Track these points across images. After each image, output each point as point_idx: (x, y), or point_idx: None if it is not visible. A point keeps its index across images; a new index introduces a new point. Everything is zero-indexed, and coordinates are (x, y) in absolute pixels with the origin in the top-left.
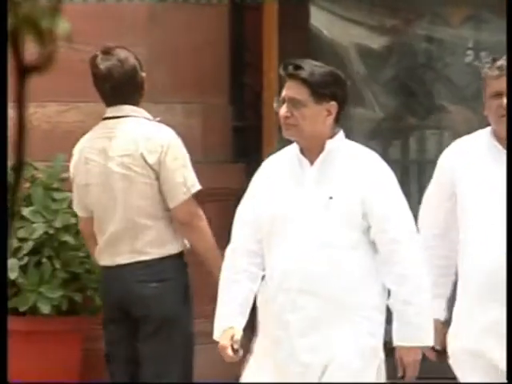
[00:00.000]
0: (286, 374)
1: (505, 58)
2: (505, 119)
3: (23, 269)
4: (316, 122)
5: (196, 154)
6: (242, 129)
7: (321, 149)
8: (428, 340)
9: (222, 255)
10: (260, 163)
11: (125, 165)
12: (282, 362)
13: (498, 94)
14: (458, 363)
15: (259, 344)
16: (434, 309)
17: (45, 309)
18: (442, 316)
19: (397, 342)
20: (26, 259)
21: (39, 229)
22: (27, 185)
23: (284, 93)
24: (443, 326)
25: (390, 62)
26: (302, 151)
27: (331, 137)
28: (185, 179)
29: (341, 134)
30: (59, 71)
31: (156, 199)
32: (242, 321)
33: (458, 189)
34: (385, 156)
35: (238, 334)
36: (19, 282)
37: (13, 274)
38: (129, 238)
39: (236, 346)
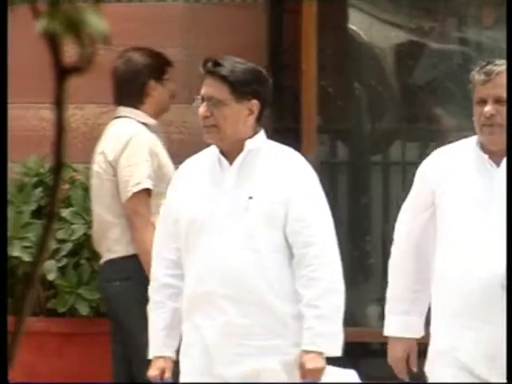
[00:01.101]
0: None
1: (497, 62)
2: (486, 128)
3: (62, 270)
4: (237, 122)
5: None
6: (280, 131)
7: (241, 149)
8: (333, 348)
9: None
10: None
11: (98, 163)
12: (195, 370)
13: (483, 101)
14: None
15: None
16: (410, 327)
17: (83, 310)
18: (420, 334)
19: (302, 345)
20: (64, 261)
21: (78, 230)
22: (66, 186)
23: (203, 91)
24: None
25: (427, 65)
26: (222, 152)
27: (251, 137)
28: (131, 177)
29: (261, 133)
30: (98, 73)
31: (118, 196)
32: (172, 343)
33: (438, 200)
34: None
35: (168, 363)
36: (58, 283)
37: (51, 276)
38: (102, 236)
39: (167, 375)
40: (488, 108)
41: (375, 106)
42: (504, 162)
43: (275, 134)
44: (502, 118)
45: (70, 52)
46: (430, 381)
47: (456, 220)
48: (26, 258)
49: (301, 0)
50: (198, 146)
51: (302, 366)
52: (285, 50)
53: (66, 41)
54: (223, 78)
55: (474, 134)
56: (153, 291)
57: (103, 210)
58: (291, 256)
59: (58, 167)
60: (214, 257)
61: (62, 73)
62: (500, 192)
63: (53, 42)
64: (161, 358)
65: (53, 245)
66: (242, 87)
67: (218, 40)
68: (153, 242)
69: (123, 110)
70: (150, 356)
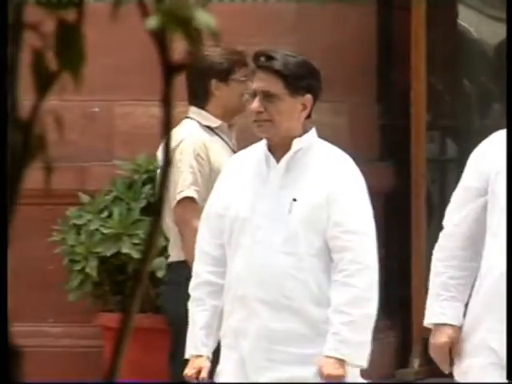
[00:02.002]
0: None
1: None
2: None
3: None
4: (291, 118)
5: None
6: (389, 127)
7: (290, 147)
8: (357, 358)
9: None
10: (408, 162)
11: None
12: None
13: None
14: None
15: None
16: (456, 313)
17: None
18: (458, 322)
19: (324, 351)
20: None
21: None
22: None
23: (255, 85)
24: (457, 332)
25: None
26: (270, 148)
27: (301, 135)
28: (177, 183)
29: (313, 131)
30: None
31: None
32: (210, 343)
33: (491, 187)
34: None
35: (205, 362)
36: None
37: (160, 273)
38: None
39: (203, 375)
40: None
41: (484, 102)
42: None
43: (383, 131)
44: None
45: (178, 49)
46: (470, 376)
47: (503, 210)
48: (136, 254)
49: None
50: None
51: (320, 371)
52: (393, 47)
53: (174, 38)
54: (277, 73)
55: None
56: (193, 288)
57: (166, 213)
58: (331, 261)
59: (166, 164)
60: (253, 258)
61: (170, 70)
62: None
63: (161, 39)
64: (198, 356)
65: (162, 242)
66: (296, 81)
67: (327, 37)
68: None
69: (190, 111)
70: (187, 355)
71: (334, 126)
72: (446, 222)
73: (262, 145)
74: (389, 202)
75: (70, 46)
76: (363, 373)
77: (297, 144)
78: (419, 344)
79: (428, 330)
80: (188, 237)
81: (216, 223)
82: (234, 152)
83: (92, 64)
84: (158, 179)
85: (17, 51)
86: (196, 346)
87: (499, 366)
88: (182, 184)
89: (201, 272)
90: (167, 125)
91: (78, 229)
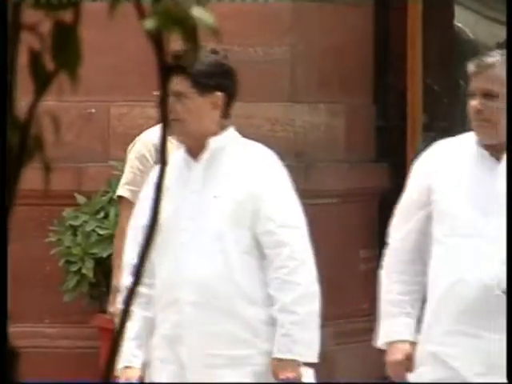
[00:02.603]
0: None
1: (493, 53)
2: (474, 123)
3: None
4: (201, 117)
5: (339, 154)
6: (385, 129)
7: (207, 147)
8: (308, 355)
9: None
10: (404, 163)
11: None
12: None
13: (472, 94)
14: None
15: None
16: (409, 329)
17: None
18: (412, 337)
19: (274, 353)
20: None
21: None
22: None
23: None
24: (413, 347)
25: None
26: (189, 151)
27: (217, 134)
28: (120, 182)
29: (231, 130)
30: None
31: None
32: (141, 354)
33: (434, 196)
34: None
35: (136, 373)
36: None
37: None
38: None
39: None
40: (474, 103)
41: None
42: (504, 156)
43: (379, 132)
44: (491, 113)
45: (175, 49)
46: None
47: (452, 218)
48: None
49: None
50: (303, 144)
51: (275, 374)
52: (390, 48)
53: (171, 38)
54: (184, 71)
55: None
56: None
57: None
58: (262, 257)
59: (163, 165)
60: (181, 262)
61: (167, 71)
62: (501, 188)
63: (157, 40)
64: (129, 367)
65: None
66: (204, 80)
67: (324, 38)
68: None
69: None
70: (119, 367)
71: (331, 126)
72: (392, 236)
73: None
74: (384, 203)
75: (66, 46)
76: (362, 374)
77: (213, 143)
78: None
79: None
80: (116, 236)
81: (142, 233)
82: None
83: (89, 65)
84: (154, 181)
85: (14, 52)
86: (128, 356)
87: (451, 377)
88: (120, 183)
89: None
90: (164, 125)
91: (75, 230)
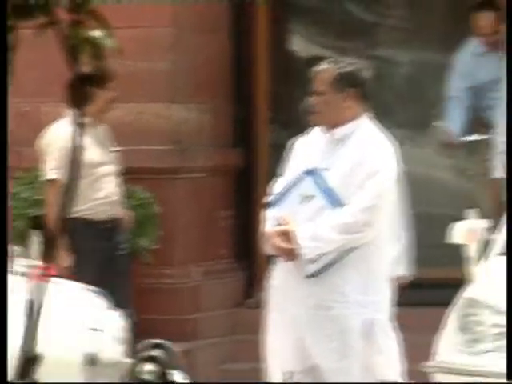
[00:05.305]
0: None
1: (322, 63)
2: (312, 114)
3: None
4: None
5: (206, 140)
6: (240, 121)
7: None
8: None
9: None
10: (254, 148)
11: None
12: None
13: (310, 93)
14: None
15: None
16: None
17: None
18: None
19: None
20: None
21: None
22: None
23: None
24: None
25: None
26: None
27: None
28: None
29: None
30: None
31: None
32: None
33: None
34: None
35: None
36: None
37: None
38: None
39: None
40: (310, 99)
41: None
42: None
43: (236, 124)
44: (320, 106)
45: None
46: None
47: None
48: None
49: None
50: (180, 133)
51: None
52: (243, 63)
53: (84, 54)
54: None
55: None
56: None
57: None
58: None
59: (77, 152)
60: None
61: (80, 79)
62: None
63: (73, 56)
64: None
65: None
66: None
67: (195, 56)
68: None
69: (67, 111)
70: None
71: (200, 120)
72: None
73: None
74: (238, 177)
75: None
76: (223, 302)
77: None
78: (261, 281)
79: None
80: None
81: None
82: (103, 145)
83: (23, 75)
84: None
85: None
86: None
87: None
88: (47, 169)
89: None
90: (79, 124)
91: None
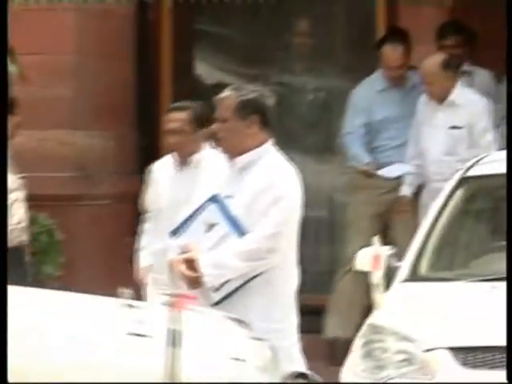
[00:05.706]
0: None
1: (226, 90)
2: (217, 141)
3: None
4: None
5: (110, 167)
6: (143, 149)
7: None
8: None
9: None
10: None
11: None
12: None
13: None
14: None
15: None
16: None
17: None
18: None
19: None
20: None
21: None
22: None
23: None
24: None
25: None
26: None
27: None
28: None
29: None
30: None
31: None
32: None
33: None
34: None
35: None
36: None
37: None
38: None
39: None
40: (214, 126)
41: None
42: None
43: (139, 151)
44: (223, 132)
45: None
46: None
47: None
48: None
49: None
50: (83, 160)
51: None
52: (148, 93)
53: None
54: None
55: None
56: None
57: None
58: None
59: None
60: None
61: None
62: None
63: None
64: None
65: None
66: None
67: (97, 83)
68: None
69: None
70: None
71: (104, 147)
72: None
73: None
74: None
75: None
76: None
77: None
78: None
79: None
80: None
81: None
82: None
83: None
84: None
85: None
86: None
87: None
88: None
89: None
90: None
91: None
